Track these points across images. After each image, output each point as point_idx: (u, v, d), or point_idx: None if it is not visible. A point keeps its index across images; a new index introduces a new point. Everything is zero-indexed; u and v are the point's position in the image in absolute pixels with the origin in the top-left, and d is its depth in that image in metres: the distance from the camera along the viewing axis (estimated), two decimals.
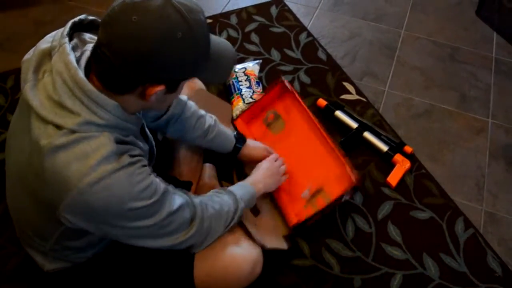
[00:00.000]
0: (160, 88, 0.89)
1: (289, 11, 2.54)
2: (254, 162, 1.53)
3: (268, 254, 1.29)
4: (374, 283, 1.51)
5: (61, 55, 0.87)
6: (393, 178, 1.77)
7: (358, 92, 2.12)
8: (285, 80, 1.75)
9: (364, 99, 2.09)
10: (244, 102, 1.89)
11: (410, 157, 1.85)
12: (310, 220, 1.52)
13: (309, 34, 2.40)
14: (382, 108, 2.07)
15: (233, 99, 1.93)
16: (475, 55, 2.39)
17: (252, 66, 2.07)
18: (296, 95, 1.71)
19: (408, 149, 1.86)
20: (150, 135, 1.17)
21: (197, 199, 1.12)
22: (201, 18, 0.88)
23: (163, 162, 1.06)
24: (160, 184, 0.98)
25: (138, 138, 1.03)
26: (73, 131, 0.85)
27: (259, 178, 1.43)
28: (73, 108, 0.85)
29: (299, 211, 1.54)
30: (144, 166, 0.95)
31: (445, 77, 2.26)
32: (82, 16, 0.99)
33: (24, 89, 0.89)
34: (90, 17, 1.01)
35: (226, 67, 1.02)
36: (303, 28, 2.43)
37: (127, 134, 0.95)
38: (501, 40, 2.49)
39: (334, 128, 1.94)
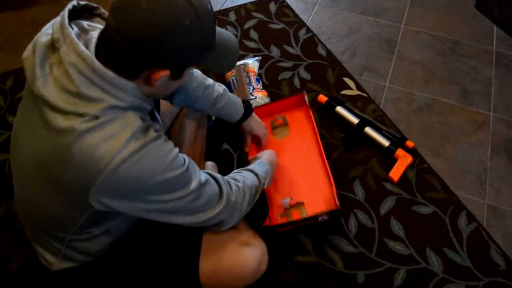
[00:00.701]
0: (165, 73, 0.91)
1: (288, 7, 2.53)
2: (251, 135, 1.65)
3: (272, 251, 1.28)
4: (378, 278, 1.50)
5: (70, 46, 0.87)
6: (395, 173, 1.76)
7: (359, 87, 2.11)
8: (306, 94, 1.81)
9: (364, 95, 2.08)
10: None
11: (412, 152, 1.84)
12: (281, 228, 1.53)
13: (309, 30, 2.39)
14: (383, 103, 2.06)
15: None
16: (475, 48, 2.38)
17: (251, 63, 2.06)
18: (310, 112, 1.76)
19: (409, 144, 1.85)
20: (158, 117, 1.18)
21: (219, 176, 1.13)
22: (208, 7, 0.91)
23: None
24: (185, 156, 1.01)
25: (153, 118, 1.08)
26: (97, 117, 0.86)
27: (268, 158, 1.46)
28: (95, 96, 0.86)
29: (273, 215, 1.56)
30: (167, 139, 0.97)
31: (445, 71, 2.25)
32: (74, 3, 0.99)
33: (36, 86, 0.88)
34: (82, 2, 1.01)
35: (231, 57, 1.06)
36: (302, 24, 2.42)
37: (145, 114, 0.98)
38: (502, 33, 2.48)
39: (335, 124, 1.93)
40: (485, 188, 1.79)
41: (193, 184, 0.99)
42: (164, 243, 1.21)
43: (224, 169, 1.70)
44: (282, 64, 2.18)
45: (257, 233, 1.28)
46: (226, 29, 2.35)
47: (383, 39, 2.40)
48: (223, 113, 1.51)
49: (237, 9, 2.48)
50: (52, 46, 0.91)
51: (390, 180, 1.76)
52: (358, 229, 1.62)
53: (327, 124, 1.94)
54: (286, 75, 2.13)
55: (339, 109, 1.93)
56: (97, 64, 0.86)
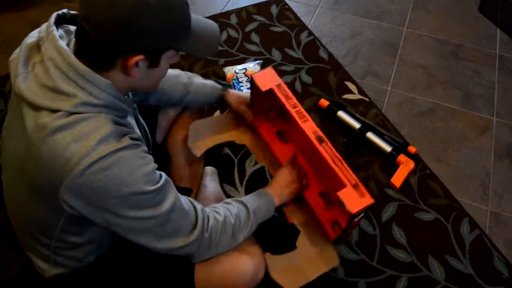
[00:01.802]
0: (139, 57, 0.89)
1: (290, 10, 2.51)
2: (243, 104, 1.51)
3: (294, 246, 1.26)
4: (379, 286, 1.49)
5: (51, 42, 0.88)
6: (397, 179, 1.74)
7: (361, 91, 2.09)
8: (259, 73, 1.44)
9: (366, 99, 2.06)
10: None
11: (414, 157, 1.83)
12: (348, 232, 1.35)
13: (310, 33, 2.37)
14: (385, 107, 2.05)
15: None
16: (478, 52, 2.36)
17: (252, 67, 2.05)
18: (275, 89, 1.40)
19: (412, 149, 1.84)
20: (142, 122, 1.16)
21: (199, 206, 1.08)
22: None
23: (161, 166, 1.04)
24: (163, 174, 0.96)
25: (133, 123, 1.04)
26: (70, 113, 0.85)
27: (279, 186, 1.33)
28: (68, 91, 0.85)
29: (327, 228, 1.37)
30: (146, 152, 0.94)
31: (448, 75, 2.23)
32: (64, 10, 0.99)
33: (15, 82, 0.89)
34: (72, 12, 1.01)
35: (211, 42, 1.03)
36: (304, 27, 2.41)
37: (123, 115, 0.96)
38: (505, 36, 2.46)
39: (337, 129, 1.92)
40: (488, 194, 1.77)
41: (165, 207, 0.95)
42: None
43: (225, 174, 1.69)
44: (284, 68, 2.16)
45: (254, 239, 1.27)
46: (227, 31, 2.33)
47: (385, 42, 2.38)
48: (201, 95, 1.45)
49: (238, 11, 2.47)
50: (37, 46, 0.92)
51: (392, 186, 1.75)
52: (359, 236, 1.60)
53: (329, 128, 1.92)
54: (287, 79, 2.11)
55: (341, 113, 1.92)
56: (73, 58, 0.86)
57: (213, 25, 1.06)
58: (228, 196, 1.64)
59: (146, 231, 0.96)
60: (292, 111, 1.34)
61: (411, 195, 1.73)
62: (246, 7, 2.50)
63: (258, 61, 2.11)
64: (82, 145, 0.84)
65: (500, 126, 2.01)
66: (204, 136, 1.53)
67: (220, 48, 2.24)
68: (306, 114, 1.33)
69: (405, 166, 1.77)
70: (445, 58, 2.32)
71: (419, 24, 2.51)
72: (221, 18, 2.41)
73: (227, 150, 1.80)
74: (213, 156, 1.66)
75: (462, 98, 2.13)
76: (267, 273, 1.25)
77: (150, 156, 0.95)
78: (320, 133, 1.30)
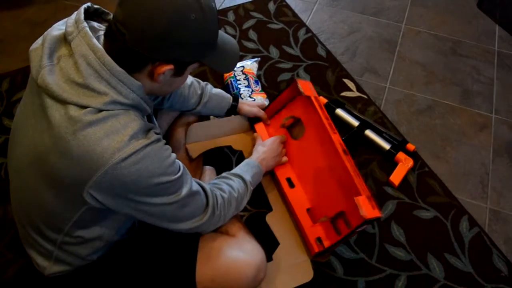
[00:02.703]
0: (169, 67, 0.93)
1: (287, 6, 2.50)
2: (254, 107, 1.63)
3: (269, 255, 1.26)
4: (379, 285, 1.48)
5: (83, 38, 0.89)
6: (396, 177, 1.74)
7: (359, 89, 2.09)
8: (301, 80, 1.52)
9: (365, 96, 2.06)
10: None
11: (413, 155, 1.82)
12: (333, 247, 1.40)
13: (308, 30, 2.36)
14: (384, 105, 2.04)
15: None
16: (477, 48, 2.35)
17: (250, 64, 2.03)
18: (313, 98, 1.49)
19: (410, 147, 1.83)
20: (155, 121, 1.18)
21: (207, 187, 1.14)
22: (212, 5, 0.95)
23: None
24: (179, 162, 1.02)
25: (151, 122, 1.09)
26: (99, 110, 0.87)
27: (263, 156, 1.45)
28: (100, 89, 0.87)
29: (311, 240, 1.41)
30: (166, 144, 0.99)
31: (447, 71, 2.23)
32: (88, 4, 1.01)
33: (41, 75, 0.89)
34: (95, 6, 1.03)
35: (233, 57, 1.08)
36: (301, 24, 2.39)
37: (143, 115, 0.99)
38: (504, 33, 2.46)
39: (335, 127, 1.90)
40: (487, 191, 1.76)
41: (184, 191, 1.01)
42: (160, 250, 1.19)
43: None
44: (282, 65, 2.15)
45: (255, 239, 1.27)
46: (225, 29, 2.32)
47: (383, 39, 2.37)
48: (212, 105, 1.52)
49: (235, 8, 2.46)
50: (64, 40, 0.93)
51: (390, 184, 1.74)
52: (358, 235, 1.60)
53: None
54: (285, 76, 2.10)
55: (339, 111, 1.91)
56: (108, 58, 0.88)
57: (233, 41, 1.11)
58: None
59: (167, 215, 1.02)
60: (325, 122, 1.44)
61: (410, 193, 1.73)
62: (243, 4, 2.49)
63: (255, 59, 2.10)
64: (114, 140, 0.86)
65: (499, 123, 2.01)
66: (202, 138, 1.58)
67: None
68: (335, 128, 1.46)
69: (404, 164, 1.76)
70: (443, 55, 2.31)
71: (418, 21, 2.50)
72: (218, 16, 2.39)
73: (225, 149, 1.79)
74: (212, 155, 1.65)
75: (461, 95, 2.12)
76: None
77: (170, 147, 0.99)
78: (344, 147, 1.41)
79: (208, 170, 1.63)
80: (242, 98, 1.87)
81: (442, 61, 2.28)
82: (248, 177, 1.29)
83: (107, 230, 1.09)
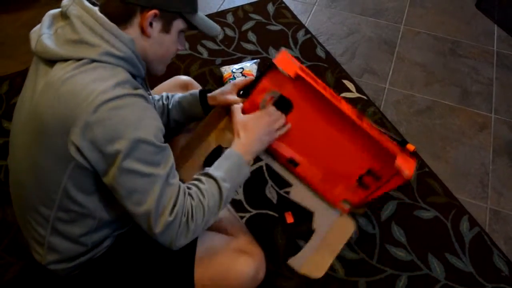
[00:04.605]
0: (154, 11, 0.96)
1: (286, 8, 2.50)
2: (227, 94, 1.32)
3: (271, 257, 1.26)
4: (379, 285, 1.48)
5: (77, 4, 0.96)
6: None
7: (358, 89, 2.09)
8: (279, 59, 1.21)
9: (364, 97, 2.06)
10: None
11: (413, 155, 1.81)
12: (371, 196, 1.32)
13: (307, 32, 2.37)
14: (383, 105, 2.04)
15: None
16: (476, 49, 2.36)
17: (249, 66, 2.04)
18: (303, 75, 1.20)
19: (410, 147, 1.82)
20: (150, 92, 1.19)
21: (183, 186, 1.01)
22: None
23: None
24: (169, 147, 0.99)
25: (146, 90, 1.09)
26: (92, 60, 0.91)
27: (246, 141, 1.16)
28: (94, 42, 0.92)
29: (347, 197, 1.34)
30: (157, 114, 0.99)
31: (446, 72, 2.23)
32: None
33: (39, 41, 0.95)
34: None
35: (214, 25, 1.12)
36: (301, 26, 2.40)
37: (138, 75, 1.02)
38: (502, 33, 2.46)
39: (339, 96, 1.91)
40: (487, 191, 1.76)
41: (164, 170, 0.94)
42: (158, 250, 1.18)
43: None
44: None
45: (254, 239, 1.26)
46: (224, 31, 2.32)
47: (382, 40, 2.37)
48: (183, 109, 1.35)
49: (234, 10, 2.46)
50: (60, 15, 0.99)
51: None
52: (359, 235, 1.60)
53: None
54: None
55: None
56: (100, 14, 0.94)
57: (215, 24, 1.15)
58: None
59: (135, 190, 0.93)
60: (326, 94, 1.19)
61: (410, 194, 1.73)
62: (242, 5, 2.49)
63: (255, 61, 2.10)
64: (100, 85, 0.88)
65: (499, 123, 2.01)
66: (191, 155, 1.40)
67: (217, 48, 2.23)
68: (338, 96, 1.25)
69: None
70: (442, 55, 2.31)
71: (417, 21, 2.50)
72: (217, 17, 2.40)
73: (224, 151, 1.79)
74: (212, 157, 1.65)
75: (460, 95, 2.12)
76: (270, 272, 1.24)
77: (159, 117, 0.99)
78: (357, 112, 1.24)
79: None
80: None
81: (441, 61, 2.28)
82: (220, 175, 1.06)
83: (97, 206, 1.05)
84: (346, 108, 1.23)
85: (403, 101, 2.07)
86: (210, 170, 1.08)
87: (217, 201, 1.04)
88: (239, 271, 1.16)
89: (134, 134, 0.89)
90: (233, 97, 1.29)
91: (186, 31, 1.09)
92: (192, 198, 1.01)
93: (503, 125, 2.00)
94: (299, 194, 1.40)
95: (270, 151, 1.34)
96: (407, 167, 1.20)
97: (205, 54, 2.20)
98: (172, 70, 2.08)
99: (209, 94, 1.33)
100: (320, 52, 2.25)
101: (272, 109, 1.22)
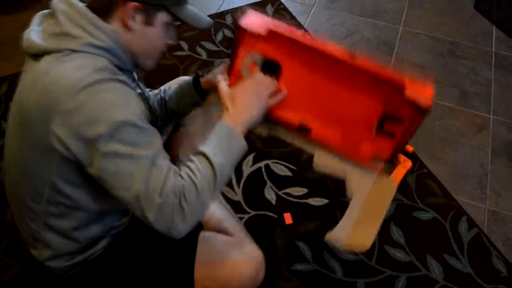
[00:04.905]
0: (134, 3, 0.95)
1: (285, 9, 2.50)
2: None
3: (270, 259, 1.26)
4: (378, 286, 1.48)
5: (64, 1, 0.97)
6: (394, 178, 1.74)
7: None
8: (249, 15, 1.14)
9: None
10: None
11: (411, 156, 1.82)
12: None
13: (306, 32, 2.37)
14: None
15: None
16: (474, 50, 2.36)
17: None
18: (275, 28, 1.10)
19: (409, 148, 1.83)
20: (144, 92, 1.19)
21: (173, 168, 0.96)
22: None
23: None
24: (155, 130, 0.96)
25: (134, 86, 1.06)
26: (74, 51, 0.92)
27: (234, 110, 1.07)
28: (76, 33, 0.93)
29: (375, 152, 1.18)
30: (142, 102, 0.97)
31: (444, 73, 2.23)
32: None
33: (26, 36, 0.97)
34: None
35: (203, 17, 1.10)
36: (299, 26, 2.40)
37: (124, 67, 1.01)
38: (501, 34, 2.46)
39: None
40: (486, 192, 1.77)
41: (148, 151, 0.90)
42: (158, 250, 1.19)
43: None
44: None
45: (254, 241, 1.26)
46: (223, 32, 2.33)
47: (381, 41, 2.38)
48: (179, 93, 1.33)
49: (233, 11, 2.46)
50: (50, 14, 1.00)
51: None
52: None
53: None
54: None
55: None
56: (83, 8, 0.95)
57: (206, 16, 1.11)
58: (225, 198, 1.64)
59: (120, 174, 0.90)
60: (306, 41, 1.10)
61: (409, 195, 1.73)
62: (241, 7, 2.49)
63: None
64: (81, 72, 0.88)
65: (497, 124, 2.01)
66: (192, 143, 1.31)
67: (216, 49, 2.24)
68: (320, 39, 1.13)
69: (402, 165, 1.77)
70: (441, 56, 2.32)
71: (415, 22, 2.50)
72: (216, 19, 2.40)
73: None
74: None
75: (459, 96, 2.13)
76: (269, 273, 1.24)
77: (143, 104, 0.97)
78: (347, 51, 1.10)
79: None
80: None
81: (439, 62, 2.28)
82: (210, 152, 0.97)
83: (85, 198, 1.04)
84: (334, 50, 1.10)
85: None
86: (200, 147, 0.99)
87: (210, 178, 0.95)
88: (239, 271, 1.16)
89: (114, 116, 0.87)
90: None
91: (173, 24, 1.06)
92: (183, 178, 0.94)
93: (502, 126, 2.01)
94: (325, 162, 1.24)
95: (276, 122, 1.22)
96: (422, 94, 1.03)
97: (204, 55, 2.20)
98: (170, 71, 2.08)
99: (202, 79, 1.29)
100: None
101: (259, 75, 1.13)
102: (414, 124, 1.10)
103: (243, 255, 1.19)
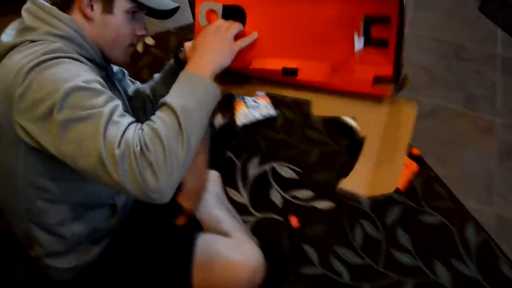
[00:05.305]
0: None
1: None
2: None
3: (276, 262, 1.25)
4: None
5: (30, 1, 0.98)
6: (401, 181, 1.73)
7: None
8: None
9: None
10: (247, 106, 1.86)
11: (418, 159, 1.81)
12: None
13: None
14: None
15: (235, 104, 1.89)
16: (480, 52, 2.35)
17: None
18: None
19: (415, 151, 1.83)
20: (121, 90, 1.15)
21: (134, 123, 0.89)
22: None
23: None
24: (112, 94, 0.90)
25: (106, 81, 0.98)
26: (32, 41, 0.92)
27: (195, 55, 0.99)
28: (35, 25, 0.94)
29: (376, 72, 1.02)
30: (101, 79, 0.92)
31: (450, 75, 2.22)
32: None
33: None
34: None
35: (167, 2, 1.07)
36: None
37: (91, 58, 0.99)
38: (506, 36, 2.46)
39: (340, 132, 1.90)
40: (493, 196, 1.76)
41: (101, 109, 0.84)
42: (155, 252, 1.18)
43: (227, 179, 1.67)
44: None
45: (254, 242, 1.25)
46: None
47: None
48: (167, 77, 1.27)
49: None
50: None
51: (396, 189, 1.74)
52: (364, 240, 1.59)
53: (332, 131, 1.91)
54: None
55: (343, 116, 1.90)
56: (44, 2, 0.96)
57: (172, 2, 1.08)
58: (231, 201, 1.63)
59: (81, 138, 0.84)
60: None
61: (416, 198, 1.72)
62: None
63: None
64: (29, 57, 0.88)
65: (503, 127, 2.00)
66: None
67: None
68: None
69: (409, 168, 1.76)
70: (446, 59, 2.31)
71: (420, 25, 2.49)
72: None
73: (229, 154, 1.79)
74: (216, 160, 1.65)
75: (465, 99, 2.12)
76: (275, 277, 1.23)
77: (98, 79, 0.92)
78: None
79: (214, 175, 1.62)
80: (246, 103, 1.86)
81: (445, 65, 2.28)
82: (174, 101, 0.89)
83: (61, 188, 1.02)
84: None
85: None
86: (164, 98, 0.91)
87: (173, 122, 0.86)
88: (235, 272, 1.15)
89: (64, 85, 0.83)
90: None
91: (138, 11, 1.01)
92: (142, 129, 0.86)
93: (508, 129, 2.00)
94: (324, 106, 1.09)
95: (258, 75, 1.11)
96: None
97: None
98: None
99: (181, 54, 1.21)
100: None
101: (218, 21, 1.04)
102: (404, 15, 0.96)
103: (240, 256, 1.17)
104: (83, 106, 0.84)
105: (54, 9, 0.95)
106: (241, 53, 1.02)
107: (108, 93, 0.89)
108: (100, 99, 0.86)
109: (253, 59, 1.06)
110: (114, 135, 0.82)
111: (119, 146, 0.81)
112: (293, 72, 1.04)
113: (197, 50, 0.99)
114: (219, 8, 1.05)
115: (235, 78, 1.14)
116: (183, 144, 0.85)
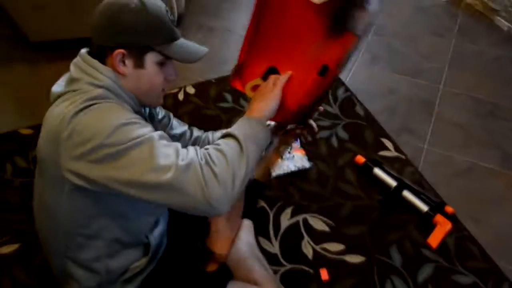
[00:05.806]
0: (121, 50, 1.02)
1: None
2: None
3: None
4: None
5: (78, 55, 1.08)
6: (434, 239, 1.72)
7: (397, 148, 2.11)
8: None
9: (403, 156, 2.07)
10: (282, 157, 1.90)
11: (452, 217, 1.80)
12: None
13: (347, 89, 2.42)
14: (422, 165, 2.05)
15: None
16: None
17: (296, 144, 2.07)
18: None
19: (449, 209, 1.82)
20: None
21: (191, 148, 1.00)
22: (157, 3, 1.06)
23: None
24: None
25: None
26: (75, 91, 1.01)
27: (250, 107, 1.13)
28: (78, 76, 1.03)
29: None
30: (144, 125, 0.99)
31: (485, 134, 2.23)
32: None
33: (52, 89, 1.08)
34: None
35: (195, 51, 1.12)
36: (340, 83, 2.46)
37: (125, 103, 1.06)
38: None
39: (373, 186, 1.92)
40: None
41: (150, 134, 0.95)
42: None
43: (260, 227, 1.70)
44: (320, 123, 2.20)
45: (271, 271, 1.28)
46: None
47: (421, 100, 2.40)
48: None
49: None
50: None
51: (428, 246, 1.72)
52: None
53: (365, 185, 1.93)
54: (324, 134, 2.15)
55: (377, 171, 1.93)
56: (85, 55, 1.06)
57: (202, 47, 1.14)
58: (262, 250, 1.65)
59: (135, 165, 0.91)
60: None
61: (448, 257, 1.70)
62: None
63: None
64: (73, 104, 0.96)
65: None
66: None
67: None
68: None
69: (442, 226, 1.75)
70: (482, 117, 2.32)
71: (456, 83, 2.53)
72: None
73: (262, 203, 1.82)
74: (249, 208, 1.68)
75: (501, 158, 2.11)
76: None
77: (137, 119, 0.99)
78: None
79: (246, 224, 1.65)
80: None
81: (480, 123, 2.28)
82: (229, 130, 1.03)
83: (100, 224, 1.08)
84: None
85: (442, 162, 2.07)
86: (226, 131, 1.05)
87: (236, 147, 0.98)
88: None
89: (110, 123, 0.93)
90: None
91: (166, 61, 1.08)
92: (206, 148, 0.98)
93: None
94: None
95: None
96: None
97: (247, 107, 2.27)
98: (213, 121, 2.15)
99: None
100: (359, 110, 2.29)
101: (263, 84, 1.18)
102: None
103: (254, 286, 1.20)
104: (131, 137, 0.93)
105: (96, 62, 1.04)
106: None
107: (149, 125, 1.00)
108: (146, 130, 0.96)
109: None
110: (172, 153, 0.93)
111: (182, 159, 0.92)
112: (325, 68, 1.12)
113: (252, 107, 1.12)
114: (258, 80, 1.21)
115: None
116: (244, 164, 0.97)
